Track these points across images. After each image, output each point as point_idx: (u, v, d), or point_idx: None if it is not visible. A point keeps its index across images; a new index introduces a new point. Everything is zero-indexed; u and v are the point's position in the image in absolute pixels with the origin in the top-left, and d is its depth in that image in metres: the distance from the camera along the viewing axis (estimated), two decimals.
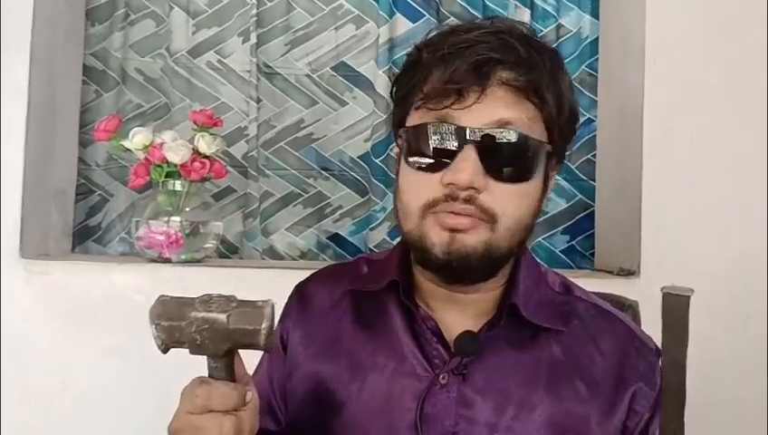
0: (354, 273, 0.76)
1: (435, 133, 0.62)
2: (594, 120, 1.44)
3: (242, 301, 0.56)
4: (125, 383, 1.27)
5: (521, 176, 0.63)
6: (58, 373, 1.29)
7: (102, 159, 1.50)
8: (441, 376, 0.65)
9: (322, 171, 1.49)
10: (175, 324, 0.54)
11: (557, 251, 1.45)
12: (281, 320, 0.76)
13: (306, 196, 1.50)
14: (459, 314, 0.67)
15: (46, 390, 1.29)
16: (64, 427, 1.30)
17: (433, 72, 0.62)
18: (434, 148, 0.62)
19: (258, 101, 1.47)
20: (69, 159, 1.45)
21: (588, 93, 1.45)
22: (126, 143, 1.28)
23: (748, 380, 1.27)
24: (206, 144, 1.29)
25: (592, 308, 0.71)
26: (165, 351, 0.56)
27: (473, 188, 0.60)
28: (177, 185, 1.31)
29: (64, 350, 1.29)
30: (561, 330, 0.67)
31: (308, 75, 1.49)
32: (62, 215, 1.42)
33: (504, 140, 0.61)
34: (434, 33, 0.67)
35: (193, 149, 1.28)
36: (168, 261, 1.30)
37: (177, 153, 1.26)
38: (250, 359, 0.62)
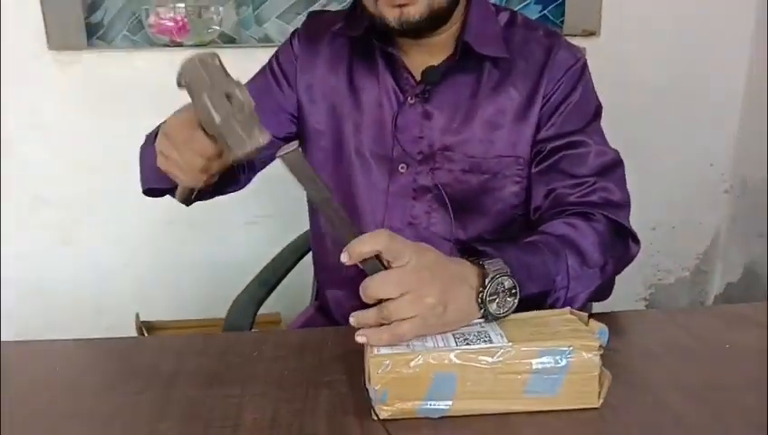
0: (336, 20, 0.90)
1: None
2: None
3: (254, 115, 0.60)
4: None
5: None
6: (92, 149, 1.48)
7: None
8: (409, 98, 0.85)
9: None
10: (191, 86, 0.60)
11: None
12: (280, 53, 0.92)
13: None
14: (426, 53, 0.84)
15: (89, 163, 1.50)
16: (96, 196, 1.54)
17: None
18: None
19: None
20: None
21: None
22: None
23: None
24: None
25: (528, 33, 0.86)
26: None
27: None
28: None
29: (95, 130, 1.47)
30: (504, 57, 0.83)
31: None
32: (74, 10, 1.49)
33: None
34: None
35: None
36: (179, 45, 1.44)
37: None
38: None
